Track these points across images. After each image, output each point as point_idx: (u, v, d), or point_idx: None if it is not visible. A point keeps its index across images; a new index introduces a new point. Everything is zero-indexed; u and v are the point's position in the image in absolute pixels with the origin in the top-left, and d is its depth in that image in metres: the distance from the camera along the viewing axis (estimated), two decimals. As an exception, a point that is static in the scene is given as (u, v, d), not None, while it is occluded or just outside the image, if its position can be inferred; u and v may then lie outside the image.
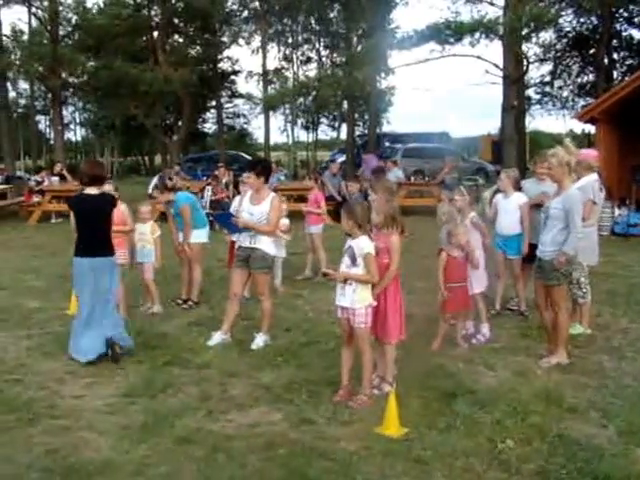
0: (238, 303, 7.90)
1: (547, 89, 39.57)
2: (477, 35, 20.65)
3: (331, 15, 34.29)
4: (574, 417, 5.71)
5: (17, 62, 28.92)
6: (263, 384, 6.44)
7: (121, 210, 8.90)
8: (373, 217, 6.28)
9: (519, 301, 8.97)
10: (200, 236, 9.63)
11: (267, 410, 5.84)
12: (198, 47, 36.34)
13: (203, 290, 9.82)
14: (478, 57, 22.28)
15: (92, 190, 7.33)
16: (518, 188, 8.88)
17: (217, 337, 7.76)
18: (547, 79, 38.54)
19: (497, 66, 22.76)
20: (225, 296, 9.87)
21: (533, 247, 7.98)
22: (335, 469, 4.76)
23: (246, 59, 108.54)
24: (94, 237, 7.26)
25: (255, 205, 7.73)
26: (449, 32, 19.70)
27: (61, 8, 29.00)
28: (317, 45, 38.43)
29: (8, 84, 40.82)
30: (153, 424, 5.51)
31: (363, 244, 5.91)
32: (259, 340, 7.70)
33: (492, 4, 24.63)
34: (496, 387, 6.38)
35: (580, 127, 38.72)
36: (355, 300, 5.91)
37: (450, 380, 6.51)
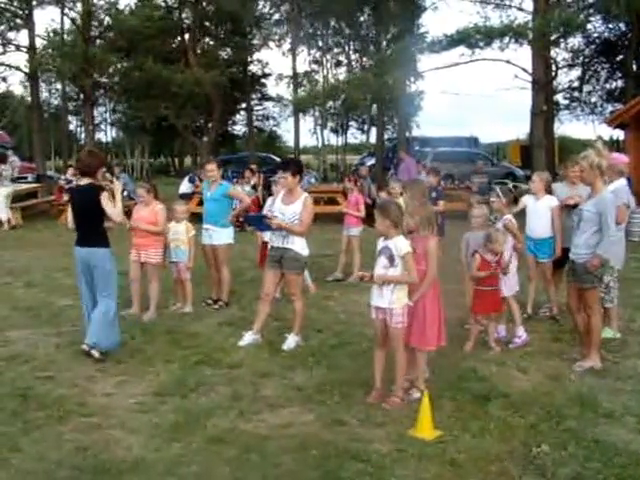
0: (270, 303, 7.84)
1: (575, 94, 39.24)
2: (507, 39, 20.52)
3: (361, 19, 34.27)
4: (609, 422, 5.60)
5: (50, 62, 29.17)
6: (295, 385, 6.37)
7: (155, 210, 8.90)
8: (408, 221, 6.20)
9: (551, 305, 8.83)
10: (227, 237, 9.52)
11: (299, 411, 5.77)
12: (229, 49, 36.43)
13: (234, 290, 9.77)
14: (507, 61, 22.15)
15: (83, 180, 7.39)
16: (549, 191, 8.75)
17: (248, 337, 7.71)
18: (575, 84, 38.26)
19: (526, 71, 22.58)
20: (256, 297, 9.86)
21: (564, 251, 7.90)
22: (369, 471, 4.69)
23: (276, 62, 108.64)
24: (82, 227, 7.38)
25: (287, 205, 7.67)
26: (479, 36, 19.58)
27: (94, 9, 29.15)
28: (347, 49, 38.49)
29: (42, 84, 41.52)
30: (184, 423, 5.47)
31: (401, 244, 5.83)
32: (291, 341, 7.64)
33: (521, 9, 24.47)
34: (529, 391, 6.27)
35: (608, 133, 38.30)
36: (393, 300, 5.85)
37: (483, 383, 6.41)
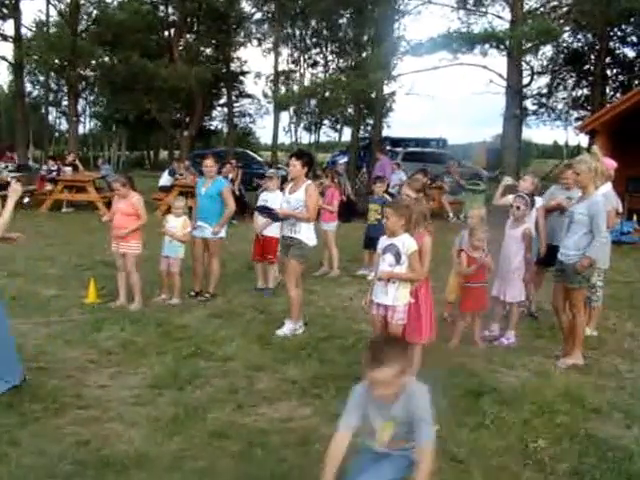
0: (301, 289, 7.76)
1: (543, 100, 39.66)
2: (487, 46, 20.57)
3: (340, 22, 34.19)
4: (598, 418, 5.58)
5: (36, 53, 28.58)
6: (289, 378, 6.22)
7: (132, 202, 8.67)
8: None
9: (530, 302, 8.77)
10: (219, 231, 9.37)
11: (297, 404, 5.63)
12: (212, 46, 36.10)
13: (218, 283, 9.57)
14: (484, 67, 22.19)
15: None
16: (538, 193, 8.66)
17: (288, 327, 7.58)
18: (544, 91, 38.71)
19: (502, 76, 22.63)
20: (240, 289, 9.77)
21: (549, 250, 7.83)
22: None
23: (254, 61, 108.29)
24: None
25: (291, 194, 7.68)
26: (461, 42, 19.57)
27: (82, 2, 28.66)
28: (324, 50, 38.38)
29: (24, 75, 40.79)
30: (184, 417, 5.29)
31: (409, 242, 5.77)
32: (286, 328, 7.58)
33: (500, 17, 24.55)
34: (519, 386, 6.19)
35: (564, 139, 39.08)
36: (397, 297, 5.79)
37: (474, 379, 6.32)
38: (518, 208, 7.67)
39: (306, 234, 7.54)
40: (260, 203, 9.59)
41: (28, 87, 47.16)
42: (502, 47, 20.93)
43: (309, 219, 7.58)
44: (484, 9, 25.28)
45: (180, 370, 6.34)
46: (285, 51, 37.86)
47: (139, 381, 6.13)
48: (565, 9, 24.09)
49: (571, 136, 35.07)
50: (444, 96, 77.75)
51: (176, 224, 9.07)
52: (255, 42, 34.75)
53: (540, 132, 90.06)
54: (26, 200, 18.86)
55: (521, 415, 5.47)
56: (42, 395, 5.70)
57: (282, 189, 8.99)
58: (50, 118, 51.78)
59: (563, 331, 7.13)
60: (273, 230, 9.18)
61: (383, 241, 5.94)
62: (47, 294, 9.41)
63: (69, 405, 5.53)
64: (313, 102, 35.30)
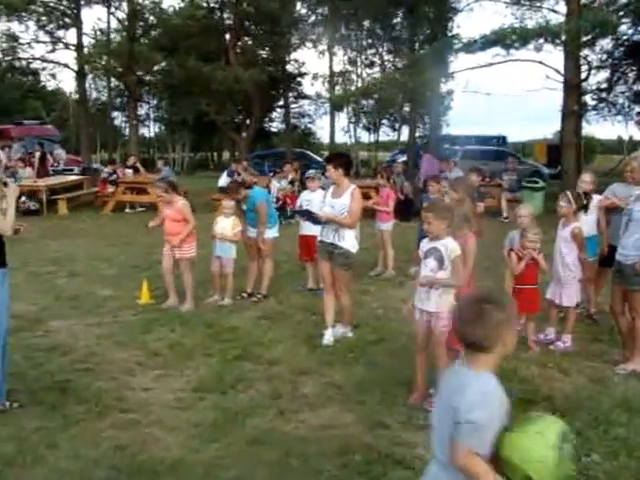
0: (333, 293, 7.46)
1: (603, 95, 38.48)
2: (541, 41, 19.94)
3: (394, 21, 33.88)
4: (659, 430, 5.16)
5: (97, 60, 29.11)
6: (334, 382, 6.01)
7: (178, 207, 8.58)
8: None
9: (589, 305, 8.36)
10: (272, 232, 9.31)
11: (339, 410, 5.41)
12: (267, 49, 36.13)
13: (272, 284, 9.42)
14: (540, 62, 21.58)
15: None
16: (598, 191, 8.26)
17: (329, 335, 7.30)
18: (604, 86, 37.53)
19: (558, 72, 21.99)
20: (293, 290, 9.61)
21: (611, 250, 7.43)
22: (414, 479, 4.30)
23: (312, 62, 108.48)
24: None
25: (335, 198, 7.34)
26: (515, 37, 19.02)
27: (139, 8, 29.01)
28: (380, 50, 38.05)
29: (91, 81, 41.66)
30: (224, 422, 5.14)
31: (453, 246, 5.46)
32: (337, 331, 7.38)
33: (554, 11, 23.84)
34: (573, 394, 5.84)
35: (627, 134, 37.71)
36: (441, 304, 5.47)
37: (525, 385, 5.99)
38: (561, 207, 7.29)
39: (350, 242, 7.25)
40: (302, 203, 9.41)
41: (94, 93, 48.22)
42: (557, 41, 20.24)
43: (352, 225, 7.31)
44: (538, 3, 24.53)
45: (225, 373, 6.21)
46: (340, 52, 37.62)
47: (183, 384, 6.01)
48: (624, 0, 23.17)
49: (634, 131, 33.98)
50: (501, 93, 76.07)
51: (226, 224, 8.96)
52: (310, 44, 34.53)
53: (603, 128, 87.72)
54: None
55: (574, 426, 5.12)
56: (86, 397, 5.67)
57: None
58: (116, 122, 52.75)
59: (622, 335, 6.74)
60: (314, 229, 8.97)
61: (425, 244, 5.65)
62: (102, 294, 9.43)
63: (111, 408, 5.45)
64: (371, 102, 34.98)
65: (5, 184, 5.63)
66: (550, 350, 7.06)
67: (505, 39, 19.32)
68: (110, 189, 20.56)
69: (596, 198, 8.06)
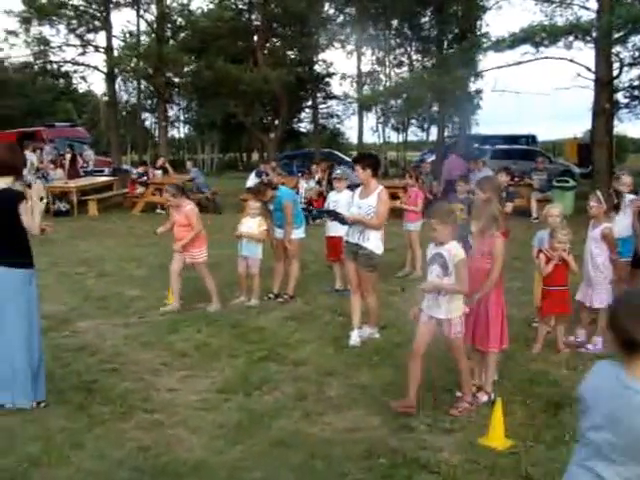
0: (360, 294, 7.40)
1: (636, 93, 37.86)
2: (572, 38, 19.66)
3: (422, 20, 33.72)
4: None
5: (126, 62, 29.33)
6: (360, 384, 5.94)
7: (185, 212, 8.53)
8: (474, 220, 5.71)
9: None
10: (299, 232, 9.26)
11: (365, 413, 5.33)
12: (295, 49, 36.15)
13: (299, 284, 9.37)
14: (570, 60, 21.29)
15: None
16: (634, 191, 8.10)
17: (355, 336, 7.25)
18: (635, 83, 36.91)
19: (589, 69, 21.68)
20: (320, 291, 9.55)
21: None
22: (439, 484, 4.23)
23: (340, 62, 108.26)
24: None
25: (363, 199, 7.28)
26: (544, 35, 18.77)
27: (167, 11, 29.16)
28: (408, 49, 37.88)
29: (121, 83, 42.03)
30: (248, 424, 5.09)
31: (456, 250, 5.27)
32: (364, 332, 7.31)
33: (585, 8, 23.50)
34: (604, 398, 5.70)
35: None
36: (451, 310, 5.29)
37: (555, 388, 5.86)
38: (591, 207, 7.14)
39: (375, 243, 7.17)
40: (329, 204, 9.35)
41: (124, 95, 48.61)
42: (588, 38, 19.93)
43: (378, 226, 7.23)
44: (569, 0, 24.19)
45: (250, 374, 6.18)
46: (368, 52, 37.49)
47: (208, 385, 5.99)
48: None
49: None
50: (530, 92, 75.20)
51: (252, 224, 8.92)
52: (338, 44, 34.44)
53: (636, 126, 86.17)
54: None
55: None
56: (112, 397, 5.67)
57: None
58: (147, 124, 53.14)
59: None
60: (341, 230, 8.91)
61: (430, 250, 5.49)
62: (130, 295, 9.45)
63: (136, 409, 5.44)
64: (399, 102, 34.79)
65: (29, 186, 5.67)
66: (580, 353, 6.91)
67: (534, 37, 19.10)
68: (139, 190, 20.69)
69: (628, 197, 7.90)
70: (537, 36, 18.96)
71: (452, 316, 5.28)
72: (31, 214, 5.43)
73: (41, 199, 5.59)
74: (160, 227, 9.15)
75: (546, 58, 21.14)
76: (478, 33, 27.15)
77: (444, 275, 5.27)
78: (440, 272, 5.29)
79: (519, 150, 30.83)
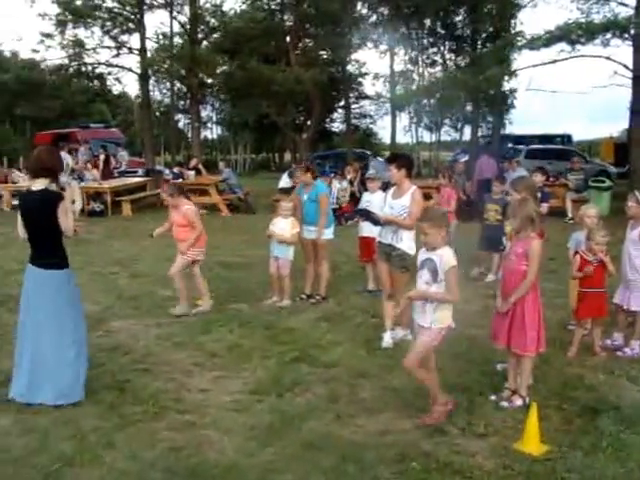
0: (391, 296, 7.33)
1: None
2: (609, 35, 19.35)
3: (456, 19, 33.54)
4: None
5: (159, 63, 29.56)
6: (392, 387, 5.88)
7: (183, 212, 8.50)
8: (510, 221, 5.62)
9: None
10: (328, 233, 9.20)
11: (397, 416, 5.27)
12: (328, 49, 36.12)
13: (331, 285, 9.34)
14: (607, 58, 20.96)
15: (37, 185, 5.61)
16: None
17: (387, 338, 7.21)
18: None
19: (627, 67, 21.33)
20: (352, 291, 9.51)
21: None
22: (473, 490, 4.17)
23: (373, 62, 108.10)
24: (32, 242, 5.68)
25: (396, 199, 7.23)
26: (581, 32, 18.51)
27: (200, 12, 29.30)
28: (442, 48, 37.72)
29: (154, 84, 42.41)
30: (280, 426, 5.07)
31: (448, 257, 5.02)
32: (397, 333, 7.26)
33: (623, 4, 23.11)
34: (642, 403, 5.59)
35: None
36: (435, 319, 5.06)
37: (591, 393, 5.76)
38: (629, 208, 6.99)
39: (408, 243, 7.11)
40: (363, 204, 9.29)
41: (158, 96, 49.04)
42: (626, 36, 19.59)
43: (411, 226, 7.14)
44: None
45: (282, 376, 6.15)
46: (401, 51, 37.35)
47: (240, 386, 5.98)
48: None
49: None
50: (565, 90, 74.37)
51: (285, 225, 8.89)
52: (370, 44, 34.35)
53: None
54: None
55: (644, 437, 4.92)
56: (144, 397, 5.68)
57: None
58: (180, 125, 53.55)
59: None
60: (374, 231, 8.85)
61: (421, 254, 5.29)
62: (163, 295, 9.47)
63: (168, 409, 5.45)
64: (433, 101, 34.60)
65: (63, 188, 5.76)
66: (617, 357, 6.79)
67: (570, 34, 18.84)
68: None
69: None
70: (573, 34, 18.70)
71: (435, 326, 5.06)
72: (66, 215, 5.52)
73: (73, 202, 5.66)
74: (157, 229, 9.05)
75: (582, 56, 20.84)
76: (512, 31, 26.87)
77: (433, 282, 5.06)
78: (429, 278, 5.09)
79: (554, 150, 30.50)
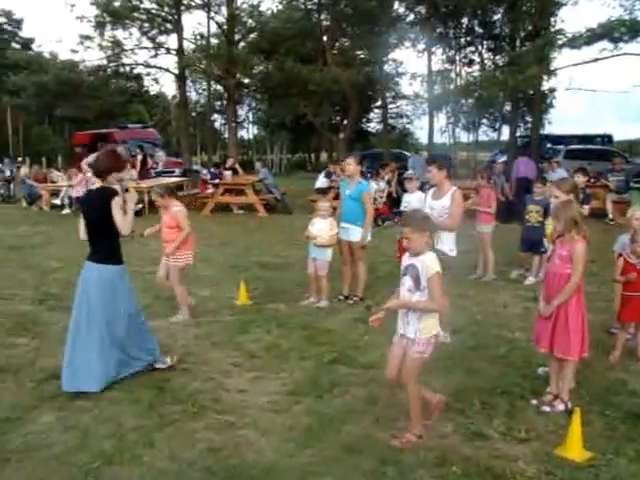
0: None
1: None
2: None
3: (494, 18, 33.30)
4: None
5: (197, 63, 29.80)
6: (431, 389, 5.80)
7: (172, 214, 8.45)
8: (554, 224, 5.54)
9: None
10: (365, 237, 9.07)
11: (437, 419, 5.20)
12: (365, 49, 36.08)
13: (369, 286, 9.30)
14: (652, 56, 20.65)
15: (96, 184, 6.10)
16: None
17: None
18: None
19: (670, 65, 21.06)
20: (390, 292, 9.40)
21: None
22: (515, 495, 4.11)
23: (410, 62, 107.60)
24: (89, 238, 6.04)
25: (436, 200, 7.20)
26: (624, 30, 18.25)
27: (237, 12, 29.47)
28: (480, 48, 37.49)
29: (192, 84, 42.76)
30: (318, 427, 5.06)
31: (431, 262, 4.74)
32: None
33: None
34: (688, 409, 5.47)
35: None
36: (420, 329, 4.79)
37: (635, 399, 5.65)
38: None
39: (448, 245, 7.06)
40: (403, 205, 9.25)
41: (194, 96, 49.43)
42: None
43: (452, 228, 7.09)
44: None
45: (320, 377, 6.14)
46: (439, 51, 37.21)
47: (278, 387, 5.97)
48: None
49: None
50: (606, 90, 73.23)
51: (324, 226, 8.86)
52: (408, 43, 34.23)
53: None
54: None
55: (690, 444, 4.81)
56: (182, 397, 5.71)
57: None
58: (216, 125, 53.91)
59: None
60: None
61: (405, 260, 5.00)
62: (200, 295, 9.51)
63: (207, 409, 5.46)
64: (470, 101, 34.41)
65: (127, 190, 6.28)
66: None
67: (613, 32, 18.60)
68: (210, 190, 20.93)
69: None
70: (616, 31, 18.43)
71: (420, 336, 4.80)
72: (124, 214, 5.84)
73: (136, 204, 5.95)
74: (148, 229, 9.00)
75: (625, 54, 20.54)
76: (552, 29, 26.58)
77: (416, 289, 4.78)
78: (412, 285, 4.81)
79: (594, 150, 30.07)
